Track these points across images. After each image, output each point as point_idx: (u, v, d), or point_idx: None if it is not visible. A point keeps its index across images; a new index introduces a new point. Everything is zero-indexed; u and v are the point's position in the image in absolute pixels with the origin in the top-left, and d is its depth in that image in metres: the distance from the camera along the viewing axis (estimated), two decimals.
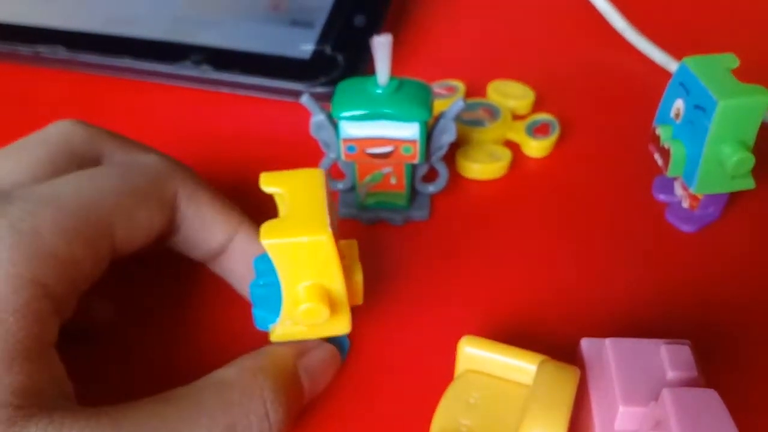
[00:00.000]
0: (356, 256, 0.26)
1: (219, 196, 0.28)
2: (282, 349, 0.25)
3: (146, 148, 0.29)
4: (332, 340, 0.27)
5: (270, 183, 0.25)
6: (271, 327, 0.25)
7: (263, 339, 0.26)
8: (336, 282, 0.24)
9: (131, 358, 0.28)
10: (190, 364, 0.28)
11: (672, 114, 0.32)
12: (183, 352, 0.29)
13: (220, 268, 0.28)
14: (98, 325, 0.28)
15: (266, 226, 0.23)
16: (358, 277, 0.26)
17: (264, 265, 0.24)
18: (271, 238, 0.23)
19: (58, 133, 0.27)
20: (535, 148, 0.36)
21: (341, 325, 0.26)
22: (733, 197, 0.33)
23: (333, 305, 0.24)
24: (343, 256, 0.25)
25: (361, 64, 0.40)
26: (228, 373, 0.23)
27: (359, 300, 0.26)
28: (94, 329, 0.28)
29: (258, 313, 0.25)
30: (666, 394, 0.20)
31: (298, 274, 0.24)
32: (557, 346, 0.27)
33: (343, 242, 0.27)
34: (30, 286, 0.21)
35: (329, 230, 0.23)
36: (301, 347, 0.26)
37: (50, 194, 0.23)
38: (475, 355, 0.25)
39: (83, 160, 0.27)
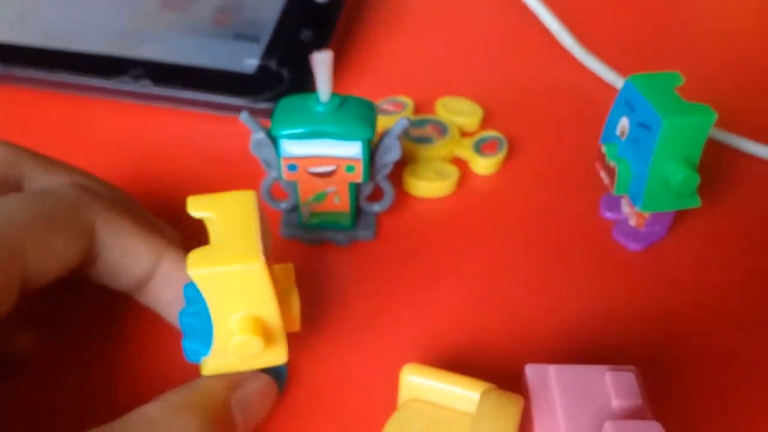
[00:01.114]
0: (293, 280, 0.25)
1: (143, 221, 0.27)
2: (212, 381, 0.24)
3: (71, 169, 0.27)
4: (269, 370, 0.26)
5: (198, 207, 0.23)
6: (202, 360, 0.24)
7: (195, 371, 0.25)
8: (270, 311, 0.23)
9: (53, 391, 0.27)
10: (114, 399, 0.26)
11: (617, 132, 0.31)
12: (108, 386, 0.27)
13: (147, 298, 0.27)
14: (18, 357, 0.26)
15: (193, 255, 0.22)
16: (295, 304, 0.25)
17: (194, 292, 0.23)
18: (199, 268, 0.21)
19: None
20: (483, 165, 0.36)
21: (278, 355, 0.24)
22: (680, 215, 0.33)
23: (268, 335, 0.23)
24: (278, 281, 0.24)
25: (307, 80, 0.39)
26: (152, 410, 0.22)
27: (296, 327, 0.25)
28: (13, 361, 0.26)
29: (188, 345, 0.24)
30: (608, 427, 0.19)
31: (230, 305, 0.23)
32: (503, 371, 0.26)
33: (278, 266, 0.26)
34: None
35: (262, 257, 0.22)
36: (234, 379, 0.24)
37: None
38: (418, 383, 0.24)
39: (4, 183, 0.25)
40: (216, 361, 0.24)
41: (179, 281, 0.25)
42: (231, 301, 0.22)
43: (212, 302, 0.22)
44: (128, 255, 0.25)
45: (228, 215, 0.23)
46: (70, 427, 0.21)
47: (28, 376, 0.27)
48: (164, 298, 0.26)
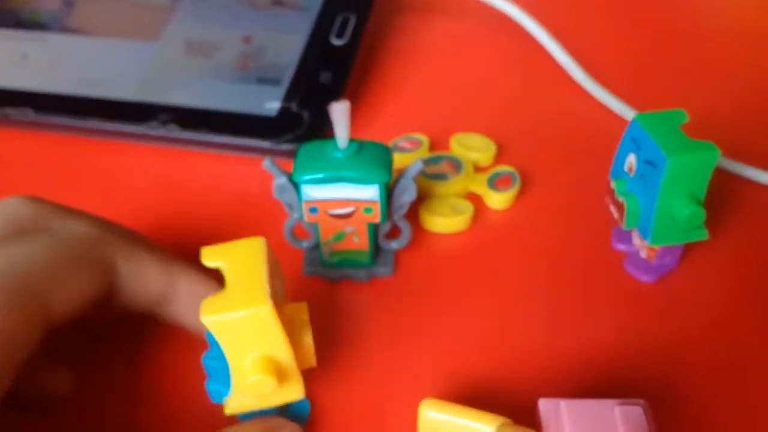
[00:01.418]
0: (306, 318, 0.27)
1: (158, 248, 0.28)
2: (248, 427, 0.25)
3: (90, 217, 0.29)
4: (292, 406, 0.27)
5: (210, 257, 0.25)
6: (224, 399, 0.25)
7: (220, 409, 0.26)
8: (282, 350, 0.24)
9: (91, 430, 0.28)
10: None
11: (626, 168, 0.33)
12: (144, 422, 0.29)
13: (171, 315, 0.28)
14: (55, 394, 0.28)
15: (206, 303, 0.23)
16: (308, 341, 0.26)
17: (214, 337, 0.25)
18: (211, 315, 0.23)
19: (5, 209, 0.27)
20: (497, 200, 0.37)
21: (294, 392, 0.26)
22: (690, 246, 0.34)
23: (282, 374, 0.25)
24: (291, 320, 0.25)
25: (326, 121, 0.40)
26: None
27: (312, 363, 0.27)
28: (51, 400, 0.28)
29: (211, 387, 0.25)
30: None
31: (243, 347, 0.24)
32: (519, 404, 0.27)
33: (292, 305, 0.27)
34: None
35: (269, 301, 0.23)
36: (268, 426, 0.26)
37: None
38: (436, 418, 0.25)
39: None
40: (236, 401, 0.25)
41: (199, 295, 0.26)
42: (244, 343, 0.24)
43: (226, 346, 0.24)
44: (145, 274, 0.27)
45: (238, 263, 0.24)
46: None
47: (65, 413, 0.28)
48: (187, 313, 0.28)
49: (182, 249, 0.35)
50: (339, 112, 0.29)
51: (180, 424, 0.28)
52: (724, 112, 0.42)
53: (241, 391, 0.25)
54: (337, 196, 0.31)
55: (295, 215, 0.33)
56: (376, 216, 0.32)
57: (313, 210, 0.31)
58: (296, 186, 0.31)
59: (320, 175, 0.30)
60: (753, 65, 0.46)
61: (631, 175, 0.32)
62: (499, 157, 0.40)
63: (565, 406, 0.23)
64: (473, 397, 0.29)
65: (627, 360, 0.30)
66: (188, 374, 0.29)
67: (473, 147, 0.40)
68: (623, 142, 0.33)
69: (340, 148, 0.30)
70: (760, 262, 0.34)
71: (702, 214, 0.30)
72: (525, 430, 0.23)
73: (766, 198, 0.37)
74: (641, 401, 0.24)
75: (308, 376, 0.28)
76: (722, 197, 0.36)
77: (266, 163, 0.31)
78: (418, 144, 0.40)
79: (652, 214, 0.31)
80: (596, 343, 0.31)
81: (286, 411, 0.28)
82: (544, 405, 0.25)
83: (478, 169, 0.39)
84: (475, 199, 0.37)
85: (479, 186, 0.38)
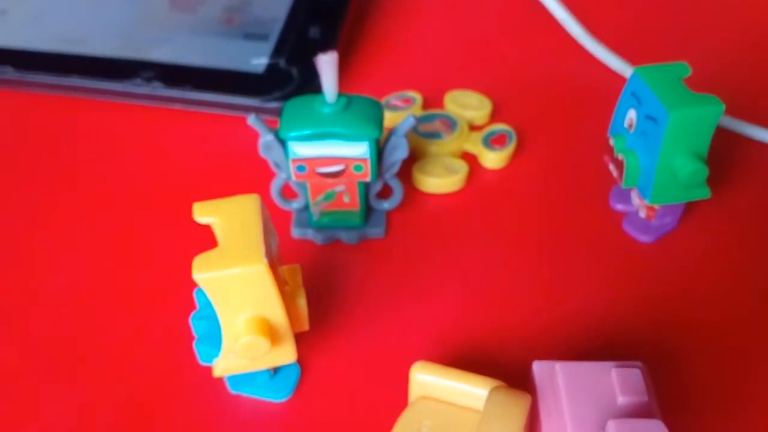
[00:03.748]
0: (300, 281, 0.26)
1: None
2: None
3: None
4: (282, 369, 0.26)
5: (203, 213, 0.24)
6: (214, 361, 0.25)
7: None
8: (276, 312, 0.24)
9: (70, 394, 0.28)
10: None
11: (625, 124, 0.31)
12: (126, 384, 0.28)
13: None
14: None
15: (198, 260, 0.22)
16: (302, 303, 0.25)
17: (203, 296, 0.24)
18: (204, 272, 0.22)
19: None
20: (492, 159, 0.36)
21: (286, 355, 0.25)
22: (691, 205, 0.33)
23: (275, 336, 0.24)
24: (285, 282, 0.24)
25: (315, 78, 0.38)
26: None
27: (305, 326, 0.26)
28: None
29: (200, 348, 0.24)
30: (611, 426, 0.19)
31: (236, 307, 0.23)
32: (513, 367, 0.27)
33: (285, 267, 0.26)
34: None
35: (264, 260, 0.22)
36: None
37: None
38: (427, 381, 0.24)
39: None
40: (226, 363, 0.24)
41: None
42: (236, 303, 0.23)
43: (218, 305, 0.23)
44: None
45: (232, 220, 0.23)
46: None
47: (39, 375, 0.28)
48: None
49: (168, 209, 0.34)
50: (326, 63, 0.28)
51: (164, 387, 0.27)
52: (726, 70, 0.40)
53: (231, 353, 0.24)
54: (326, 154, 0.30)
55: (283, 174, 0.31)
56: (367, 174, 0.31)
57: (300, 168, 0.30)
58: (283, 143, 0.30)
59: (307, 132, 0.29)
60: (757, 22, 0.44)
61: (631, 131, 0.31)
62: (495, 115, 0.39)
63: (560, 368, 0.22)
64: (466, 360, 0.28)
65: (625, 322, 0.29)
66: (175, 334, 0.29)
67: (468, 105, 0.38)
68: (623, 96, 0.32)
69: (328, 103, 0.29)
70: (762, 222, 0.33)
71: (705, 171, 0.29)
72: (519, 393, 0.22)
73: None
74: (639, 363, 0.23)
75: (298, 339, 0.27)
76: (724, 157, 0.35)
77: (251, 119, 0.30)
78: (411, 102, 0.39)
79: (653, 171, 0.30)
80: (593, 305, 0.30)
81: (275, 375, 0.27)
82: (539, 368, 0.24)
83: (472, 127, 0.38)
84: (469, 158, 0.36)
85: (474, 145, 0.36)
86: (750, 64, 0.41)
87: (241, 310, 0.23)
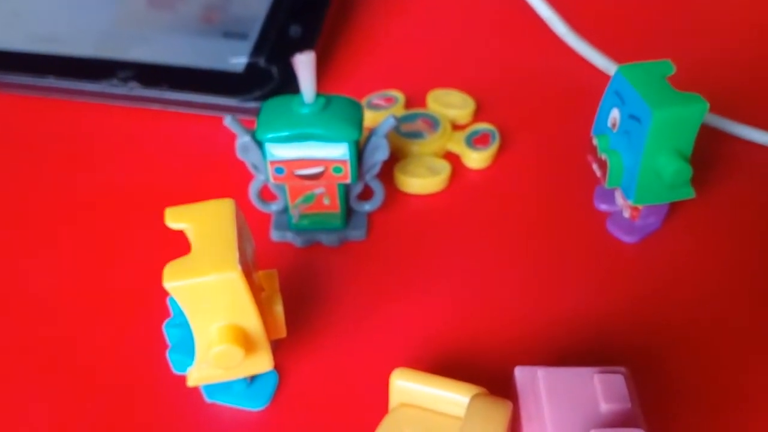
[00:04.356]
0: (276, 286, 0.25)
1: None
2: None
3: None
4: (259, 377, 0.26)
5: (175, 218, 0.23)
6: (188, 371, 0.24)
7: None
8: (251, 319, 0.23)
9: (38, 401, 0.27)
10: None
11: (609, 123, 0.31)
12: (99, 393, 0.27)
13: None
14: None
15: (169, 268, 0.22)
16: (279, 310, 0.25)
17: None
18: (175, 280, 0.21)
19: None
20: (475, 159, 0.35)
21: (262, 363, 0.24)
22: (675, 205, 0.32)
23: (250, 344, 0.23)
24: (261, 288, 0.24)
25: (296, 77, 0.38)
26: None
27: (282, 333, 0.25)
28: None
29: (174, 356, 0.24)
30: None
31: (209, 315, 0.22)
32: (495, 373, 0.26)
33: (261, 273, 0.25)
34: None
35: (238, 267, 0.22)
36: None
37: None
38: (408, 388, 0.24)
39: None
40: (200, 372, 0.24)
41: None
42: (209, 311, 0.22)
43: (190, 313, 0.22)
44: None
45: (205, 225, 0.23)
46: None
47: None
48: None
49: (144, 212, 0.33)
50: (303, 63, 0.27)
51: (138, 396, 0.27)
52: (711, 67, 0.40)
53: (205, 362, 0.24)
54: (304, 156, 0.29)
55: (261, 176, 0.31)
56: (347, 176, 0.30)
57: (279, 170, 0.30)
58: (261, 145, 0.29)
59: (285, 133, 0.28)
60: (742, 20, 0.44)
61: (615, 131, 0.31)
62: (478, 114, 0.38)
63: (542, 374, 0.22)
64: (448, 365, 0.28)
65: (608, 324, 0.29)
66: (148, 343, 0.28)
67: (451, 104, 0.38)
68: (606, 96, 0.31)
69: (306, 103, 0.29)
70: (747, 222, 0.33)
71: (689, 170, 0.28)
72: (500, 400, 0.22)
73: (753, 156, 0.36)
74: (622, 369, 0.22)
75: (275, 345, 0.27)
76: (708, 155, 0.35)
77: (227, 120, 0.29)
78: (393, 101, 0.38)
79: (637, 171, 0.29)
80: (576, 308, 0.30)
81: (252, 383, 0.27)
82: (521, 373, 0.23)
83: (455, 127, 0.37)
84: (452, 158, 0.36)
85: (457, 144, 0.36)
86: (734, 62, 0.41)
87: (214, 319, 0.22)
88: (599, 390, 0.21)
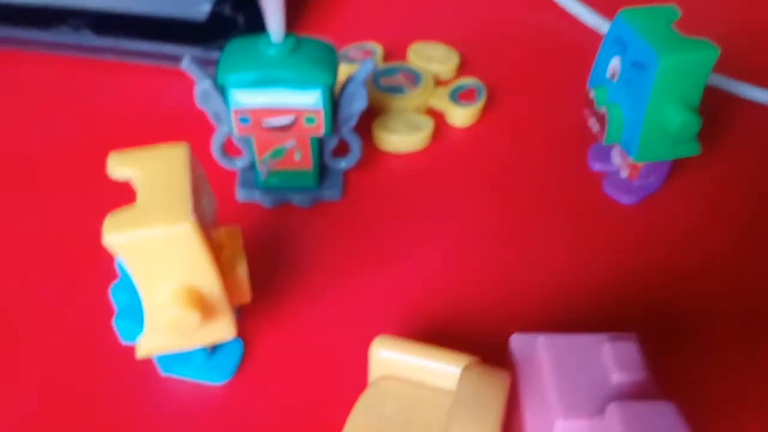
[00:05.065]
0: (240, 245, 0.22)
1: None
2: None
3: None
4: (222, 347, 0.23)
5: (119, 165, 0.20)
6: (137, 340, 0.21)
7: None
8: (209, 280, 0.20)
9: None
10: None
11: (608, 74, 0.28)
12: (36, 366, 0.24)
13: None
14: None
15: (110, 219, 0.18)
16: (242, 272, 0.22)
17: None
18: (116, 233, 0.18)
19: None
20: (460, 116, 0.33)
21: (223, 330, 0.21)
22: (675, 165, 0.30)
23: (208, 308, 0.20)
24: (221, 246, 0.21)
25: (264, 25, 0.35)
26: None
27: (246, 298, 0.22)
28: None
29: (121, 323, 0.20)
30: (614, 409, 0.16)
31: (158, 275, 0.19)
32: (487, 342, 0.23)
33: (223, 230, 0.22)
34: None
35: (191, 217, 0.19)
36: None
37: None
38: (391, 358, 0.21)
39: None
40: (151, 341, 0.21)
41: None
42: (159, 270, 0.19)
43: (137, 273, 0.19)
44: None
45: (155, 172, 0.20)
46: None
47: None
48: None
49: (96, 169, 0.30)
50: None
51: (82, 370, 0.24)
52: (715, 27, 0.37)
53: (156, 330, 0.20)
54: (273, 103, 0.26)
55: (224, 128, 0.28)
56: (320, 128, 0.27)
57: (244, 120, 0.27)
58: (223, 91, 0.26)
59: (250, 76, 0.25)
60: None
61: (614, 81, 0.28)
62: (463, 69, 0.36)
63: (544, 341, 0.19)
64: (434, 334, 0.25)
65: (607, 290, 0.27)
66: (92, 308, 0.25)
67: (433, 58, 0.35)
68: (605, 43, 0.28)
69: (273, 43, 0.25)
70: (749, 183, 0.31)
71: (697, 122, 0.26)
72: (497, 370, 0.19)
73: (758, 116, 0.34)
74: (634, 335, 0.20)
75: (240, 313, 0.24)
76: (710, 115, 0.33)
77: (185, 62, 0.26)
78: (370, 54, 0.35)
79: (638, 125, 0.27)
80: (572, 273, 0.27)
81: (213, 354, 0.24)
82: (518, 341, 0.21)
83: (438, 82, 0.35)
84: (435, 114, 0.33)
85: (440, 100, 0.33)
86: (739, 21, 0.38)
87: (165, 280, 0.19)
88: (610, 358, 0.18)
